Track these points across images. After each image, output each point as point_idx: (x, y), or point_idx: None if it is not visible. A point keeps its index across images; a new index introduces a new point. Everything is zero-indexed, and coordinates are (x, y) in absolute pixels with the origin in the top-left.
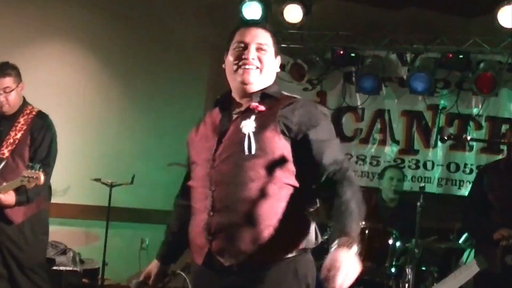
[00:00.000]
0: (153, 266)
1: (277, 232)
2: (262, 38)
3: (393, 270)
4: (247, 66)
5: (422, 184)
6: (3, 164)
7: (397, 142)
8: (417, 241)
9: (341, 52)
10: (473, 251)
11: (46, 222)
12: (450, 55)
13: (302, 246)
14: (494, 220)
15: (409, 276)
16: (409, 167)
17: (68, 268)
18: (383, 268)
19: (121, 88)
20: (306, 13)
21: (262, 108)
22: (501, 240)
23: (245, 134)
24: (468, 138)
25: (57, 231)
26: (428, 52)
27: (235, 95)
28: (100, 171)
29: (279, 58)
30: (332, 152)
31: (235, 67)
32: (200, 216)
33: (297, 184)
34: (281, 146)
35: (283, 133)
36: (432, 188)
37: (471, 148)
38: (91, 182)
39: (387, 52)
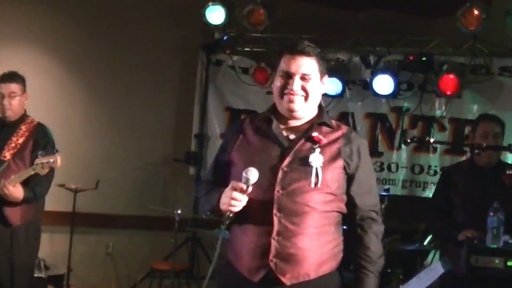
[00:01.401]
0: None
1: (331, 252)
2: (307, 68)
3: None
4: (291, 97)
5: (386, 186)
6: (4, 166)
7: None
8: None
9: None
10: (437, 252)
11: (39, 228)
12: (413, 57)
13: (341, 261)
14: (458, 221)
15: None
16: (374, 169)
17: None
18: (348, 270)
19: (85, 92)
20: (269, 16)
21: (324, 141)
22: (466, 241)
23: (313, 167)
24: (431, 140)
25: None
26: (391, 54)
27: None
28: (64, 176)
29: (325, 77)
30: (368, 198)
31: (279, 93)
32: (260, 238)
33: (344, 210)
34: (341, 180)
35: (344, 168)
36: (396, 190)
37: (435, 150)
38: (55, 187)
39: (350, 55)
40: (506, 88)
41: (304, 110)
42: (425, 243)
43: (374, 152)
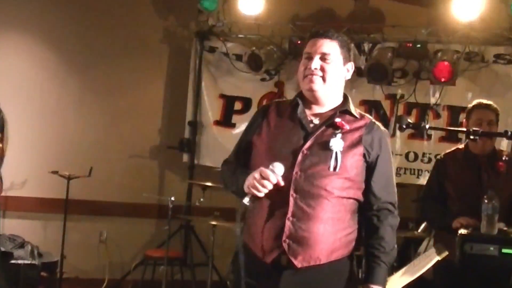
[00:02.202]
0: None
1: (345, 239)
2: (326, 48)
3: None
4: (312, 78)
5: None
6: None
7: None
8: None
9: (299, 42)
10: (432, 240)
11: None
12: (408, 45)
13: (355, 248)
14: (453, 208)
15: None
16: None
17: (26, 262)
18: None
19: (78, 80)
20: (263, 3)
21: (347, 127)
22: (460, 229)
23: (333, 151)
24: (427, 126)
25: (15, 225)
26: (386, 41)
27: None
28: (58, 163)
29: (350, 64)
30: (387, 190)
31: (302, 76)
32: (276, 219)
33: (361, 198)
34: (360, 167)
35: (364, 156)
36: None
37: (429, 137)
38: (48, 174)
39: None
40: (501, 76)
41: (324, 92)
42: (419, 230)
43: None
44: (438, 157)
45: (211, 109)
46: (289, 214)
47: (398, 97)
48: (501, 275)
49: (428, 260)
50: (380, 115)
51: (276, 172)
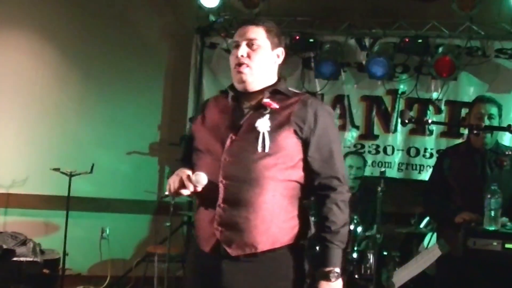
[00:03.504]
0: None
1: (283, 226)
2: (252, 34)
3: (354, 255)
4: (239, 68)
5: (382, 169)
6: None
7: (357, 127)
8: (378, 226)
9: (299, 37)
10: (434, 235)
11: None
12: (409, 40)
13: (302, 236)
14: (455, 203)
15: (371, 261)
16: (369, 152)
17: (28, 259)
18: (344, 254)
19: (79, 76)
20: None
21: (275, 106)
22: (463, 224)
23: (260, 132)
24: (430, 121)
25: (17, 222)
26: (387, 36)
27: (241, 90)
28: (59, 160)
29: (280, 49)
30: (329, 164)
31: (232, 67)
32: (209, 206)
33: (302, 181)
34: (293, 146)
35: (295, 133)
36: (392, 173)
37: (431, 132)
38: (50, 171)
39: (345, 37)
40: (502, 70)
41: (253, 80)
42: (422, 226)
43: (369, 135)
44: (441, 151)
45: None
46: (220, 201)
47: (399, 92)
48: (504, 270)
49: (430, 255)
50: (382, 110)
51: (199, 182)
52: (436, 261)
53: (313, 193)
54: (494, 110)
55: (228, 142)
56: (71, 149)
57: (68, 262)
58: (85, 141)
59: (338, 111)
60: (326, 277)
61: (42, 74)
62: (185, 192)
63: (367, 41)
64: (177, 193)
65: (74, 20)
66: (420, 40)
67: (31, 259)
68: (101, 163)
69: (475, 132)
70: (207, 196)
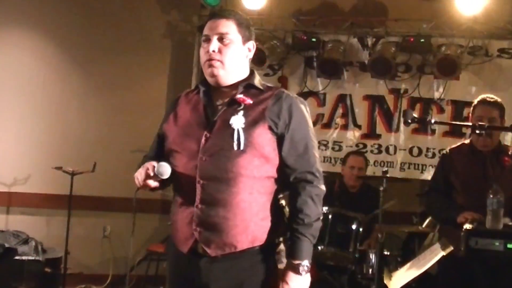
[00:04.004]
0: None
1: (261, 223)
2: (223, 28)
3: (356, 254)
4: (211, 62)
5: (384, 169)
6: None
7: (359, 127)
8: (380, 225)
9: (302, 36)
10: (436, 234)
11: None
12: (411, 39)
13: (279, 232)
14: (458, 203)
15: (373, 261)
16: (372, 151)
17: (30, 258)
18: (346, 253)
19: (81, 75)
20: None
21: (249, 101)
22: (465, 223)
23: (234, 130)
24: (432, 121)
25: (19, 221)
26: (389, 36)
27: (213, 84)
28: (61, 159)
29: (251, 43)
30: (303, 159)
31: (203, 61)
32: (187, 207)
33: (276, 176)
34: (268, 141)
35: (270, 128)
36: (394, 172)
37: (433, 132)
38: (52, 170)
39: (348, 37)
40: (505, 70)
41: (225, 75)
42: (424, 225)
43: (372, 134)
44: (444, 151)
45: None
46: (197, 202)
47: (401, 91)
48: (506, 270)
49: (433, 255)
50: (384, 110)
51: (162, 173)
52: (438, 261)
53: (288, 187)
54: (495, 113)
55: (203, 140)
56: (73, 148)
57: (70, 261)
58: (87, 140)
59: (340, 110)
60: (296, 269)
61: (44, 73)
62: (152, 183)
63: (369, 40)
64: (145, 185)
65: (76, 19)
66: (422, 40)
67: (33, 258)
68: (103, 162)
69: (477, 132)
70: (183, 197)
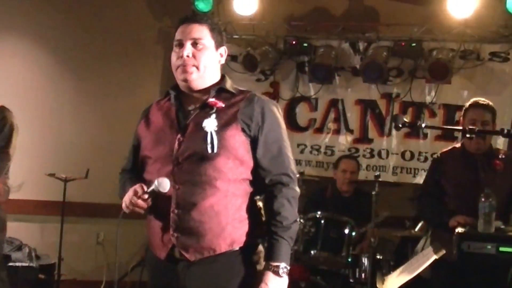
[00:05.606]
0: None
1: (238, 226)
2: (197, 33)
3: (349, 259)
4: (185, 68)
5: (377, 173)
6: None
7: (351, 131)
8: (373, 229)
9: (294, 42)
10: (429, 238)
11: (3, 219)
12: (403, 43)
13: (258, 234)
14: (450, 207)
15: (366, 265)
16: (364, 156)
17: (24, 264)
18: (339, 257)
19: (74, 82)
20: (257, 3)
21: (221, 104)
22: (457, 227)
23: (207, 133)
24: (423, 125)
25: (12, 227)
26: (381, 40)
27: (185, 90)
28: (54, 166)
29: (223, 48)
30: (278, 161)
31: (175, 67)
32: (162, 213)
33: (251, 178)
34: (242, 143)
35: (243, 131)
36: (387, 176)
37: (425, 136)
38: (45, 177)
39: (339, 42)
40: (496, 74)
41: (199, 80)
42: (416, 229)
43: (364, 138)
44: (435, 155)
45: None
46: (173, 207)
47: (393, 96)
48: (499, 273)
49: (425, 259)
50: (376, 114)
51: (164, 188)
52: (431, 265)
53: (264, 190)
54: (488, 116)
55: (176, 144)
56: (66, 154)
57: (64, 267)
58: (80, 147)
59: (332, 115)
60: (275, 271)
61: (37, 80)
62: (144, 205)
63: (361, 45)
64: (135, 207)
65: (68, 26)
66: (414, 44)
67: (26, 264)
68: (96, 168)
69: (468, 136)
70: (158, 203)
